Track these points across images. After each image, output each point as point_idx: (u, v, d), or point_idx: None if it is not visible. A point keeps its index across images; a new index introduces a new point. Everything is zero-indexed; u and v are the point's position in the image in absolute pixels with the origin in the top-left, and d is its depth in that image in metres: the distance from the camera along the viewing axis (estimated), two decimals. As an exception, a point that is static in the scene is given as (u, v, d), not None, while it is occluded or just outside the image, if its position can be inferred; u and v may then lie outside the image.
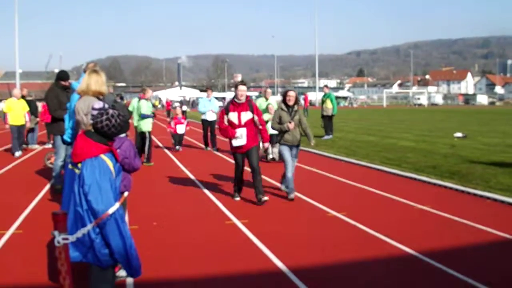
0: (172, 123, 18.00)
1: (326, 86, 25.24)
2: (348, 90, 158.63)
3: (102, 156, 4.01)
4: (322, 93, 22.91)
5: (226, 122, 8.90)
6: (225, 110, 8.98)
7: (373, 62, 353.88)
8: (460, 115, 48.74)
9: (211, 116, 17.41)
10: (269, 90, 14.81)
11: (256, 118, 8.90)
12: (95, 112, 4.26)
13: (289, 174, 9.17)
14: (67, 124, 7.28)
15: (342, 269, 5.64)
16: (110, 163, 4.05)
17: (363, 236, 6.84)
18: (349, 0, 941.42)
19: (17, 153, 15.93)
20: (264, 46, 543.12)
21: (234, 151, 9.09)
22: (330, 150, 16.73)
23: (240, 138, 8.81)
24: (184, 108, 37.05)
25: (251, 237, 6.81)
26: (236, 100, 8.92)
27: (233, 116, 8.85)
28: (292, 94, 9.37)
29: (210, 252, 6.19)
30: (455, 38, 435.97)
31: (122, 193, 4.76)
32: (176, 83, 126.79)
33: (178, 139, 17.93)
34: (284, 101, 9.38)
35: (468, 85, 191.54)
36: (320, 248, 6.30)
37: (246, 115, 8.85)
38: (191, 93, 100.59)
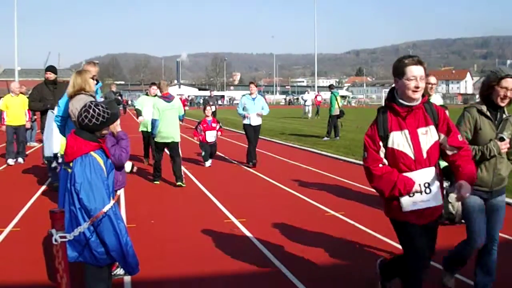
0: (200, 129, 13.50)
1: (330, 86, 25.03)
2: (347, 90, 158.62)
3: (92, 153, 4.00)
4: (323, 93, 22.86)
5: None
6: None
7: (372, 62, 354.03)
8: (459, 115, 48.71)
9: (255, 120, 13.14)
10: None
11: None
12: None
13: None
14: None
15: (340, 269, 5.63)
16: (100, 160, 4.03)
17: (361, 236, 6.83)
18: (349, 0, 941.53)
19: (10, 161, 13.46)
20: (263, 45, 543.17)
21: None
22: (329, 149, 16.72)
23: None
24: (213, 108, 23.66)
25: (249, 235, 6.80)
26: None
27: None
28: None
29: (208, 250, 6.18)
30: (454, 38, 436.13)
31: (115, 190, 4.74)
32: (175, 81, 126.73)
33: (210, 150, 13.43)
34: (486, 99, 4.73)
35: (467, 85, 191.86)
36: (318, 248, 6.29)
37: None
38: (190, 92, 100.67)
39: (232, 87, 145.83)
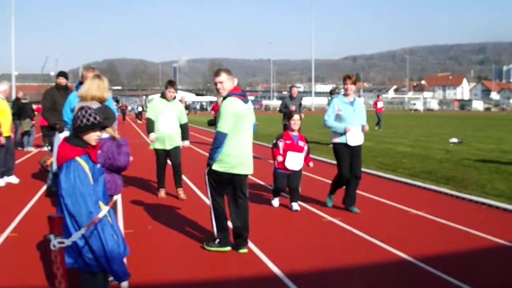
0: (281, 146, 8.80)
1: (331, 91, 24.62)
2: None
3: (77, 158, 4.03)
4: (320, 98, 22.86)
5: None
6: None
7: (369, 67, 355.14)
8: (455, 121, 48.85)
9: (356, 137, 8.62)
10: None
11: None
12: None
13: None
14: (65, 118, 7.62)
15: (338, 274, 5.63)
16: (86, 166, 4.05)
17: (358, 242, 6.84)
18: (346, 6, 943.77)
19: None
20: (260, 51, 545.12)
21: None
22: (326, 155, 16.73)
23: None
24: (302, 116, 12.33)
25: (246, 241, 6.79)
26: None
27: None
28: None
29: (205, 256, 6.17)
30: (451, 44, 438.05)
31: (111, 196, 4.76)
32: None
33: (285, 182, 8.78)
34: None
35: (463, 90, 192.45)
36: (315, 254, 6.30)
37: None
38: (187, 97, 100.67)
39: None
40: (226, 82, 6.26)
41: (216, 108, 21.69)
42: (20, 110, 19.48)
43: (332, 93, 22.75)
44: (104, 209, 4.04)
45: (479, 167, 13.61)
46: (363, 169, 13.06)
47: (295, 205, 8.73)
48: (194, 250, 6.41)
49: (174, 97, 9.75)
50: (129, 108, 74.93)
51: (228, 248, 6.31)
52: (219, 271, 5.66)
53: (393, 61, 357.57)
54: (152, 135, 9.59)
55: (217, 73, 6.34)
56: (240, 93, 6.33)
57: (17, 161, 15.28)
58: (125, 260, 4.49)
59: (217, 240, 6.32)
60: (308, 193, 10.05)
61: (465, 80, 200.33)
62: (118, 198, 6.37)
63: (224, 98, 6.27)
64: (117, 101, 62.76)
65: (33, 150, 18.81)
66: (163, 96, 9.73)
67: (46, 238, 3.53)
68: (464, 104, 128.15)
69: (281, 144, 8.79)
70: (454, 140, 22.11)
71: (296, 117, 8.92)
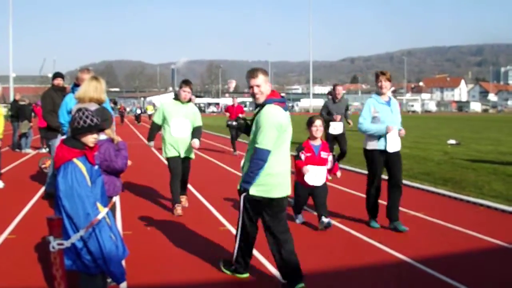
0: (303, 159, 7.63)
1: (329, 92, 24.32)
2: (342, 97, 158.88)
3: (75, 160, 4.03)
4: (318, 100, 22.78)
5: None
6: None
7: (367, 69, 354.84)
8: (453, 122, 48.93)
9: (394, 143, 7.47)
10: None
11: None
12: None
13: None
14: (62, 120, 7.65)
15: (336, 276, 5.64)
16: (83, 167, 4.06)
17: (357, 243, 6.85)
18: (344, 7, 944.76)
19: None
20: (258, 52, 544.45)
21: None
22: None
23: None
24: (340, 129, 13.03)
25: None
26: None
27: None
28: None
29: (203, 258, 6.18)
30: (449, 46, 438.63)
31: (110, 197, 4.76)
32: (170, 88, 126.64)
33: (306, 197, 7.89)
34: None
35: (461, 92, 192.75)
36: (314, 255, 6.31)
37: None
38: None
39: (227, 94, 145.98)
40: (264, 86, 5.15)
41: (232, 110, 18.70)
42: (18, 112, 19.47)
43: (330, 94, 22.57)
44: (103, 211, 4.05)
45: (477, 168, 13.65)
46: (359, 170, 13.12)
47: (325, 220, 7.42)
48: (193, 251, 6.41)
49: (189, 99, 8.67)
50: (128, 109, 74.77)
51: (247, 275, 5.52)
52: (218, 273, 5.66)
53: (391, 62, 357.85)
54: (150, 144, 8.99)
55: (252, 74, 5.15)
56: (280, 99, 5.21)
57: (15, 163, 15.31)
58: (123, 261, 4.49)
59: (234, 266, 5.52)
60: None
61: (463, 81, 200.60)
62: (116, 199, 6.36)
63: (260, 106, 5.17)
64: (115, 103, 62.65)
65: (31, 152, 18.78)
66: (176, 97, 8.74)
67: (45, 239, 3.53)
68: (462, 106, 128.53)
69: (302, 157, 7.59)
70: (452, 141, 22.16)
71: (318, 122, 7.63)
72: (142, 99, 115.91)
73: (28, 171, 13.24)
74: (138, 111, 52.31)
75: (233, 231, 7.39)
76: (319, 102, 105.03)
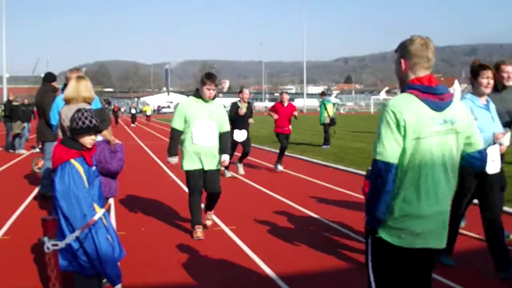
0: None
1: (322, 92, 24.00)
2: (336, 97, 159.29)
3: (72, 161, 4.03)
4: (311, 100, 22.70)
5: None
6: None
7: (360, 69, 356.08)
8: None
9: (496, 162, 5.30)
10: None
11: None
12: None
13: None
14: (53, 121, 7.53)
15: (331, 275, 5.66)
16: (80, 168, 4.05)
17: (351, 242, 6.87)
18: (338, 7, 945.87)
19: None
20: (252, 52, 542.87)
21: None
22: (318, 156, 16.77)
23: None
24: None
25: (239, 243, 6.82)
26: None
27: None
28: None
29: (198, 258, 6.19)
30: (442, 46, 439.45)
31: (106, 199, 4.76)
32: (164, 88, 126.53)
33: None
34: None
35: (455, 92, 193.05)
36: (309, 254, 6.32)
37: None
38: (179, 99, 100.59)
39: (221, 94, 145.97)
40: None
41: (282, 109, 13.93)
42: (11, 113, 19.40)
43: (323, 94, 22.48)
44: (100, 212, 4.05)
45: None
46: (356, 171, 13.15)
47: None
48: (188, 252, 6.42)
49: (214, 97, 7.11)
50: (122, 110, 74.23)
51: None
52: (212, 272, 5.67)
53: (384, 62, 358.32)
54: (172, 160, 7.24)
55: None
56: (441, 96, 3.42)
57: (9, 164, 15.26)
58: (118, 262, 4.50)
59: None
60: (299, 193, 10.08)
61: (456, 81, 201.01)
62: (111, 200, 6.36)
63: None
64: (108, 103, 62.12)
65: (25, 152, 18.72)
66: (197, 95, 7.07)
67: (40, 240, 3.52)
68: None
69: None
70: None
71: None
72: (136, 99, 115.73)
73: (22, 172, 13.20)
74: (133, 111, 51.22)
75: (227, 231, 7.41)
76: (313, 102, 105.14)
